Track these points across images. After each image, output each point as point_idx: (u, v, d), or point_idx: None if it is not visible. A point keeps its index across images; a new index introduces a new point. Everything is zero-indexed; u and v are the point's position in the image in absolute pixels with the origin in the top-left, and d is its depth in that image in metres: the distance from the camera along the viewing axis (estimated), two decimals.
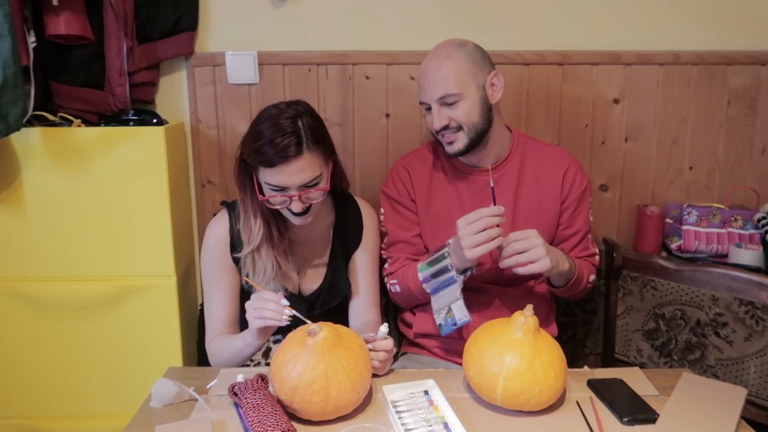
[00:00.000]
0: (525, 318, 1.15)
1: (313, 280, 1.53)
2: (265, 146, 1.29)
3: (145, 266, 1.77)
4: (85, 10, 1.70)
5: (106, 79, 1.79)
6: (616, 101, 1.93)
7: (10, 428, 1.84)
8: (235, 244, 1.45)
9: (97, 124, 1.79)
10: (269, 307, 1.23)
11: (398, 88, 1.92)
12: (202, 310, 1.94)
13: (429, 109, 1.47)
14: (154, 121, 1.78)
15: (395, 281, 1.57)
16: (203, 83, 1.92)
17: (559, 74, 1.91)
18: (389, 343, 1.27)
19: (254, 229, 1.41)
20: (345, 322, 1.56)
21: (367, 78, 1.92)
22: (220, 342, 1.44)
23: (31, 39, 1.68)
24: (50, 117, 1.74)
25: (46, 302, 1.77)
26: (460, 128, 1.45)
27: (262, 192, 1.38)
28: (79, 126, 1.73)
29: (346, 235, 1.54)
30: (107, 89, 1.80)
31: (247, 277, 1.44)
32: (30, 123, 1.70)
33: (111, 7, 1.73)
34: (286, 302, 1.23)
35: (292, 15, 1.89)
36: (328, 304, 1.51)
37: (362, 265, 1.55)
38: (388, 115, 1.95)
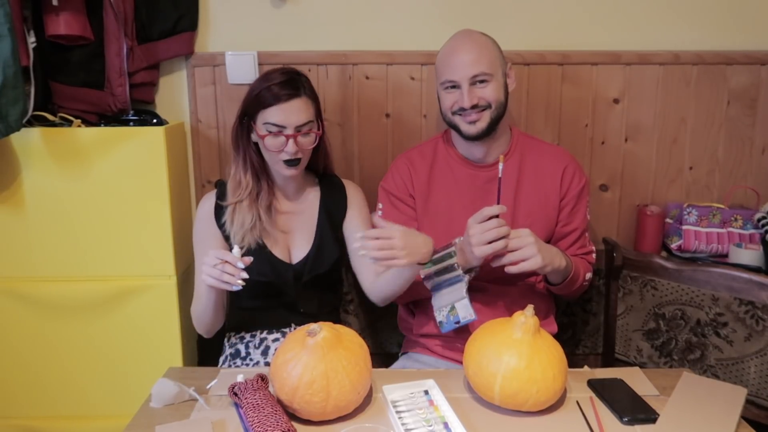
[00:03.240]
0: (525, 318, 1.15)
1: (300, 249, 1.58)
2: (264, 91, 1.44)
3: (145, 266, 1.77)
4: (85, 10, 1.70)
5: (106, 79, 1.79)
6: (616, 101, 1.93)
7: (10, 428, 1.84)
8: (220, 213, 1.54)
9: (97, 124, 1.78)
10: (227, 269, 1.28)
11: (398, 88, 1.92)
12: None
13: (451, 87, 1.48)
14: (154, 121, 1.78)
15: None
16: (203, 83, 1.92)
17: (559, 74, 1.91)
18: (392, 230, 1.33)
19: (243, 182, 1.52)
20: (332, 290, 1.68)
21: (367, 78, 1.92)
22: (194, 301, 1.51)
23: (31, 39, 1.68)
24: (50, 117, 1.74)
25: (46, 302, 1.77)
26: (487, 107, 1.46)
27: (258, 136, 1.48)
28: (79, 126, 1.73)
29: (332, 207, 1.62)
30: (107, 89, 1.80)
31: (224, 228, 1.52)
32: (30, 123, 1.70)
33: (111, 7, 1.73)
34: (242, 265, 1.28)
35: (292, 15, 1.89)
36: (315, 271, 1.56)
37: (355, 225, 1.61)
38: (388, 115, 1.95)
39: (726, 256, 1.79)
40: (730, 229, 1.81)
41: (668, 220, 1.91)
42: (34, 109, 1.72)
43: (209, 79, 1.92)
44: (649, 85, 1.92)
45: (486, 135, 1.49)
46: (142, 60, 1.83)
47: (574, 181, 1.57)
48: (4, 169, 1.70)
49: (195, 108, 1.93)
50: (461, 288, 1.41)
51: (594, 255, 1.63)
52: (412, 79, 1.91)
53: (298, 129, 1.45)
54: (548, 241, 1.56)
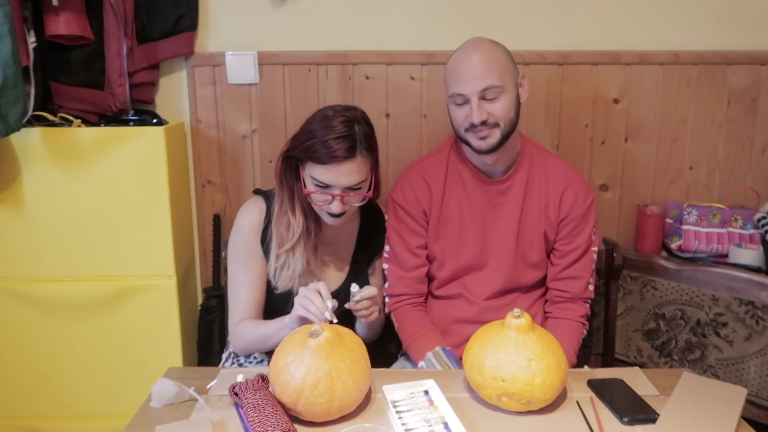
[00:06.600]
0: (515, 319, 1.14)
1: (333, 280, 1.54)
2: (318, 145, 1.33)
3: (145, 266, 1.77)
4: (85, 10, 1.70)
5: (106, 79, 1.79)
6: (616, 101, 1.93)
7: (10, 428, 1.84)
8: (265, 234, 1.47)
9: (97, 124, 1.78)
10: (315, 303, 1.26)
11: (398, 88, 1.92)
12: (202, 310, 1.95)
13: (462, 103, 1.42)
14: (154, 121, 1.78)
15: (393, 317, 1.59)
16: (203, 83, 1.92)
17: (559, 74, 1.91)
18: (372, 290, 1.34)
19: (293, 224, 1.44)
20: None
21: (367, 78, 1.92)
22: (248, 326, 1.45)
23: (31, 39, 1.68)
24: (50, 117, 1.74)
25: (46, 302, 1.77)
26: (496, 125, 1.41)
27: (303, 185, 1.41)
28: (79, 126, 1.73)
29: (370, 240, 1.57)
30: (107, 89, 1.80)
31: (274, 274, 1.47)
32: (30, 123, 1.70)
33: (111, 8, 1.73)
34: (331, 304, 1.26)
35: (292, 15, 1.89)
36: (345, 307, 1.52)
37: (377, 272, 1.61)
38: (388, 115, 1.95)
39: (726, 256, 1.79)
40: (730, 229, 1.81)
41: (668, 220, 1.91)
42: (34, 109, 1.72)
43: (209, 79, 1.92)
44: (649, 85, 1.92)
45: (496, 149, 1.44)
46: (142, 60, 1.83)
47: (577, 202, 1.52)
48: (4, 169, 1.70)
49: (195, 108, 1.93)
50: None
51: (592, 288, 1.57)
52: (412, 79, 1.91)
53: (347, 189, 1.37)
54: (546, 256, 1.57)
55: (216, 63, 1.90)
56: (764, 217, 1.77)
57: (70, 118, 1.75)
